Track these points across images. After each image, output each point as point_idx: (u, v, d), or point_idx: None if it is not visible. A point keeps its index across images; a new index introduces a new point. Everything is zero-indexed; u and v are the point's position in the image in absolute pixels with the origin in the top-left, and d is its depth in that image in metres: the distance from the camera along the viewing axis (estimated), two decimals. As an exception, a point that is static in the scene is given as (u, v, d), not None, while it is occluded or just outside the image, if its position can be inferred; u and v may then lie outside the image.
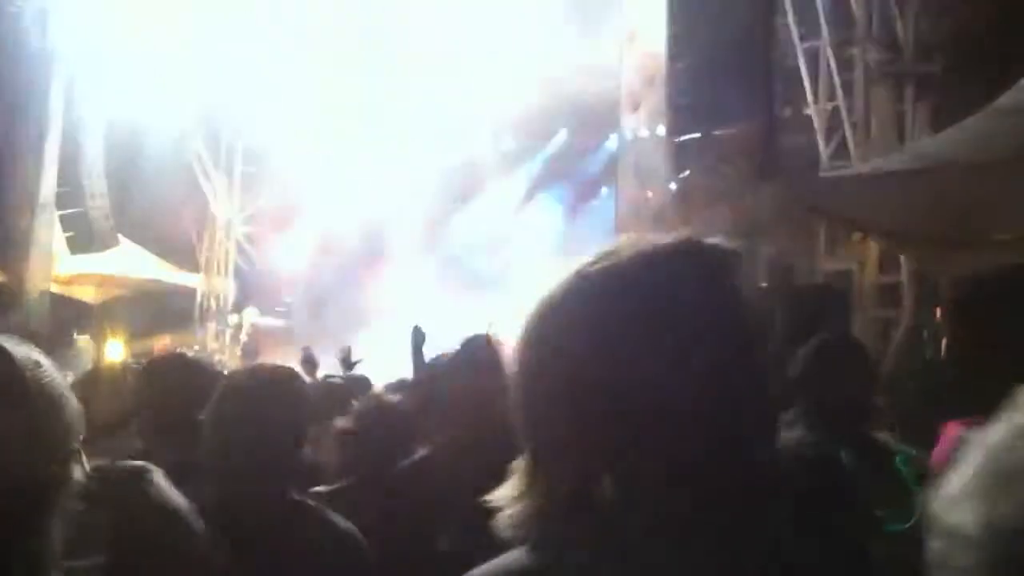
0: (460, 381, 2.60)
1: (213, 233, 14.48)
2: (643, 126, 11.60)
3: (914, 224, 5.11)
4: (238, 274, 14.86)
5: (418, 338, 3.81)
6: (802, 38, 8.65)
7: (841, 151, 8.25)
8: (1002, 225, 4.50)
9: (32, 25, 10.18)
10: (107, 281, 12.57)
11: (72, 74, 10.62)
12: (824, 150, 8.37)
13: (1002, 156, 4.25)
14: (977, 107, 5.05)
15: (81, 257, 11.55)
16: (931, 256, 5.68)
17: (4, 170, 10.21)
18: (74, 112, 10.86)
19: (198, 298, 14.17)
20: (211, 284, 14.29)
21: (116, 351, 10.31)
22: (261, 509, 2.01)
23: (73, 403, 1.21)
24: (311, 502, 2.12)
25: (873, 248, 7.61)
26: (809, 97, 8.64)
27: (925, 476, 2.58)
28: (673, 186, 10.90)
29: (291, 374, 2.32)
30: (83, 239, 11.28)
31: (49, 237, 10.63)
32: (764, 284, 7.67)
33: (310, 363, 5.87)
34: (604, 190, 14.58)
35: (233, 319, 14.18)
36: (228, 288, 14.49)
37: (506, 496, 0.96)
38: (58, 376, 1.21)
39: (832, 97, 8.44)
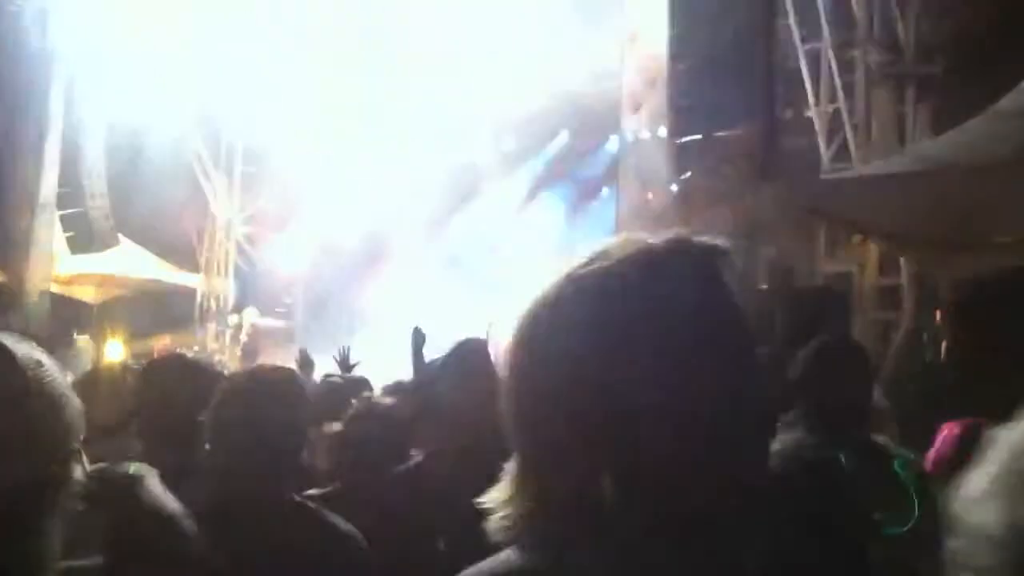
0: (454, 386, 2.59)
1: (213, 233, 14.48)
2: (644, 127, 11.61)
3: (915, 226, 5.11)
4: (238, 274, 14.86)
5: (418, 339, 3.80)
6: (803, 39, 8.65)
7: (842, 153, 8.24)
8: (1003, 228, 4.50)
9: (32, 25, 10.18)
10: (107, 281, 12.57)
11: (72, 74, 10.63)
12: (825, 152, 8.37)
13: (1003, 159, 4.25)
14: (978, 109, 5.05)
15: (81, 257, 11.55)
16: (931, 258, 5.69)
17: (4, 170, 10.21)
18: (74, 112, 10.86)
19: (198, 298, 14.17)
20: (211, 284, 14.29)
21: (116, 351, 10.31)
22: (261, 510, 2.01)
23: (74, 403, 1.21)
24: (311, 504, 2.12)
25: (873, 250, 7.61)
26: (810, 99, 8.64)
27: (924, 479, 2.58)
28: (674, 187, 10.91)
29: (291, 375, 2.32)
30: (83, 239, 11.28)
31: (49, 237, 10.63)
32: (764, 286, 7.68)
33: (306, 365, 5.86)
34: (605, 191, 14.58)
35: (233, 320, 14.17)
36: (228, 289, 14.48)
37: (497, 499, 0.96)
38: (59, 375, 1.21)
39: (833, 99, 8.44)
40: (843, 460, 2.45)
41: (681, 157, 10.87)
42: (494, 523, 0.95)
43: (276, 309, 15.37)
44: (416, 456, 2.84)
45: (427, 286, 13.53)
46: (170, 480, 2.15)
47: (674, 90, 10.79)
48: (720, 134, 10.36)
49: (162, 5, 11.57)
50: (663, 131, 11.12)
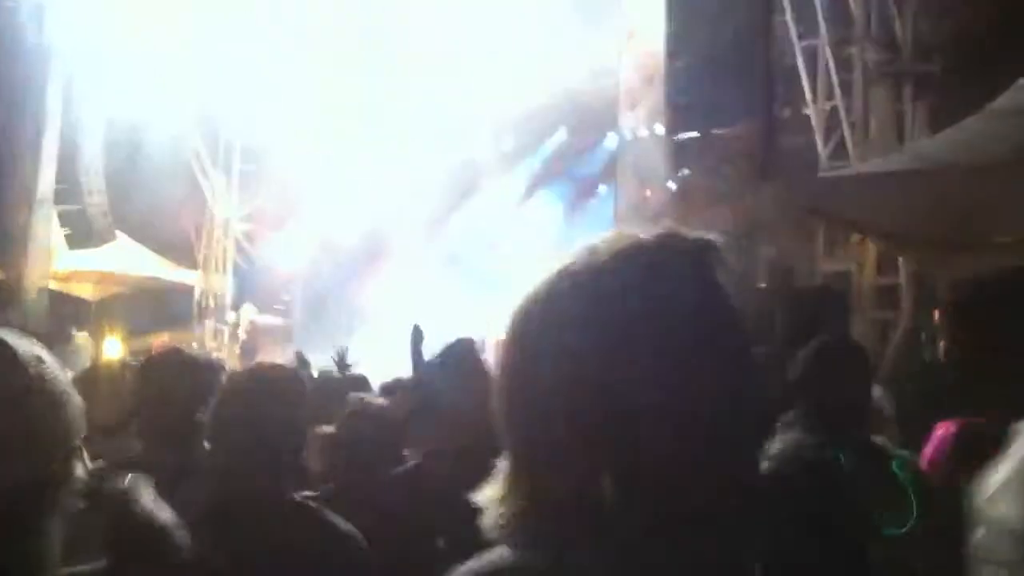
0: (454, 385, 2.58)
1: (211, 231, 14.47)
2: (642, 125, 11.60)
3: (913, 226, 5.10)
4: (236, 272, 14.85)
5: (417, 337, 3.79)
6: (800, 37, 8.66)
7: (840, 151, 8.25)
8: (1002, 228, 4.49)
9: (29, 21, 10.15)
10: (105, 278, 12.55)
11: (70, 71, 10.60)
12: (823, 150, 8.38)
13: (1002, 158, 4.24)
14: (976, 107, 5.05)
15: (79, 254, 11.54)
16: (930, 258, 5.68)
17: (2, 167, 10.19)
18: (72, 109, 10.84)
19: (196, 296, 14.15)
20: (209, 282, 14.27)
21: (114, 349, 10.30)
22: (262, 510, 2.01)
23: (75, 400, 1.21)
24: (311, 504, 2.11)
25: (872, 249, 7.61)
26: (808, 97, 8.64)
27: (921, 479, 2.59)
28: (672, 185, 10.90)
29: (292, 374, 2.31)
30: (81, 236, 11.26)
31: (47, 233, 10.61)
32: (764, 285, 7.68)
33: (303, 366, 5.83)
34: (603, 189, 14.59)
35: (231, 317, 14.16)
36: (226, 286, 14.47)
37: (490, 497, 0.96)
38: (60, 372, 1.21)
39: (831, 97, 8.44)
40: (843, 460, 2.45)
41: (679, 155, 10.86)
42: (488, 521, 0.94)
43: (275, 306, 15.36)
44: (411, 456, 2.83)
45: (426, 284, 13.53)
46: (170, 479, 2.15)
47: (671, 88, 10.79)
48: (718, 132, 10.36)
49: (161, 4, 11.55)
50: (661, 129, 11.11)
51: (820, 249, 8.24)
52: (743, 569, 0.98)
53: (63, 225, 11.03)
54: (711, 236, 0.96)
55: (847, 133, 8.20)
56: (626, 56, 11.93)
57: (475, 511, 0.97)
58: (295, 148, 14.17)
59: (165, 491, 2.11)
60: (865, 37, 8.14)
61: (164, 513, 1.36)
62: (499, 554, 0.95)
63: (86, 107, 11.14)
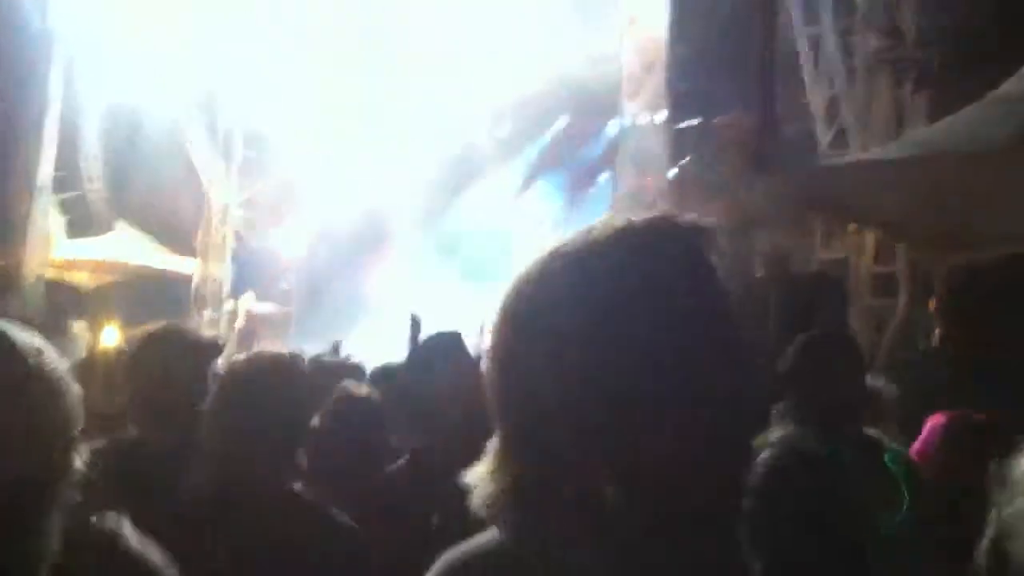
0: (443, 381, 2.53)
1: (210, 219, 14.43)
2: (643, 112, 11.57)
3: (911, 214, 5.10)
4: (235, 260, 14.82)
5: (415, 326, 3.80)
6: (804, 24, 8.63)
7: (840, 139, 8.23)
8: (999, 216, 4.49)
9: (32, 6, 10.11)
10: (102, 267, 12.52)
11: (71, 56, 10.57)
12: (823, 137, 8.36)
13: (1001, 145, 4.23)
14: (978, 95, 5.03)
15: (76, 242, 11.52)
16: (928, 246, 5.67)
17: (6, 154, 10.16)
18: (72, 95, 10.81)
19: (194, 284, 14.12)
20: (207, 270, 14.24)
21: (111, 337, 10.28)
22: (260, 499, 2.01)
23: (74, 390, 1.21)
24: (307, 495, 2.11)
25: (869, 237, 7.61)
26: (809, 84, 8.62)
27: (914, 471, 2.59)
28: (671, 173, 10.87)
29: (292, 362, 2.29)
30: (81, 223, 11.25)
31: (46, 221, 10.60)
32: (760, 271, 7.67)
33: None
34: (603, 177, 14.55)
35: (230, 305, 14.14)
36: (225, 274, 14.44)
37: (480, 473, 0.96)
38: (59, 363, 1.21)
39: (832, 84, 8.42)
40: (835, 453, 2.45)
41: (679, 143, 10.83)
42: (476, 498, 0.95)
43: (273, 295, 15.34)
44: (400, 449, 2.79)
45: (425, 273, 13.52)
46: (167, 465, 2.15)
47: (672, 75, 10.74)
48: (718, 119, 10.31)
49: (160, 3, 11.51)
50: (662, 116, 11.08)
51: (818, 239, 8.23)
52: (743, 569, 0.99)
53: (63, 213, 11.01)
54: (705, 221, 0.97)
55: (849, 121, 8.18)
56: (627, 42, 11.89)
57: (468, 503, 0.97)
58: (295, 135, 14.13)
59: (160, 474, 2.11)
60: (867, 25, 8.11)
61: (154, 555, 1.32)
62: (489, 538, 0.96)
63: (86, 93, 11.11)
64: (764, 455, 2.43)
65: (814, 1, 8.46)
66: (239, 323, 13.64)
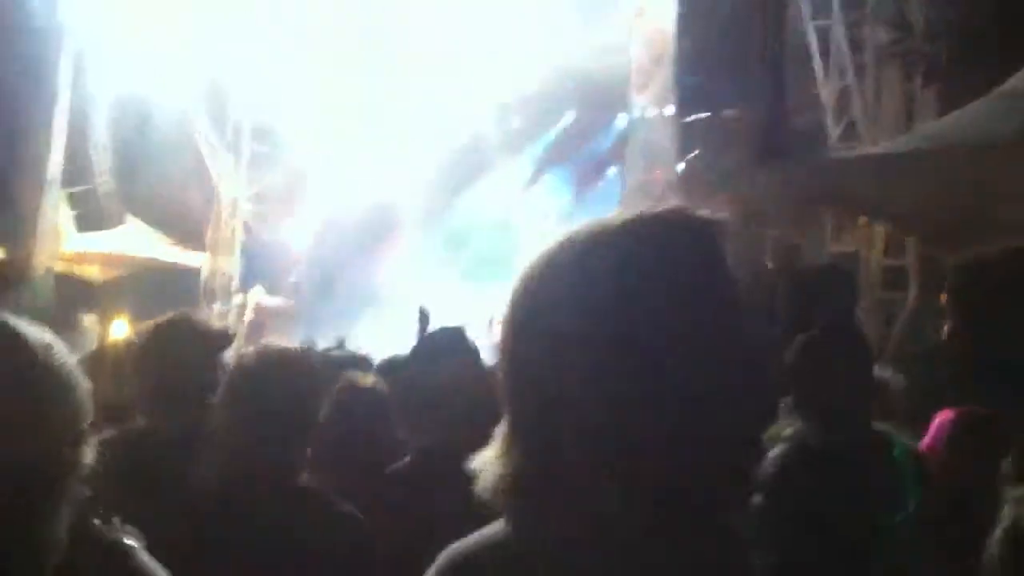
0: (446, 374, 2.51)
1: (219, 212, 14.45)
2: (652, 105, 11.53)
3: (921, 207, 5.08)
4: (244, 253, 14.84)
5: (424, 320, 3.79)
6: (813, 16, 8.60)
7: (850, 132, 8.20)
8: (1010, 208, 4.47)
9: (41, 1, 10.14)
10: (111, 260, 12.56)
11: (80, 50, 10.59)
12: (833, 130, 8.33)
13: (1008, 140, 4.21)
14: (987, 88, 5.01)
15: (86, 235, 11.55)
16: (938, 239, 5.65)
17: (17, 148, 10.19)
18: (81, 87, 10.84)
19: (203, 277, 14.16)
20: (216, 263, 14.28)
21: (121, 331, 10.32)
22: (267, 492, 2.01)
23: (83, 384, 1.22)
24: (315, 488, 2.11)
25: (879, 230, 7.58)
26: (819, 77, 8.58)
27: (922, 466, 2.57)
28: (680, 166, 10.84)
29: (303, 355, 2.28)
30: (91, 217, 11.29)
31: (56, 214, 10.65)
32: (770, 264, 7.65)
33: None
34: (612, 170, 14.51)
35: (239, 299, 14.17)
36: (234, 267, 14.47)
37: (488, 458, 0.97)
38: (68, 357, 1.22)
39: (842, 77, 8.39)
40: (841, 449, 2.43)
41: (688, 136, 10.79)
42: (483, 483, 0.95)
43: (282, 288, 15.37)
44: (406, 442, 2.77)
45: (432, 266, 13.53)
46: (175, 453, 2.15)
47: (681, 68, 10.71)
48: (727, 112, 10.28)
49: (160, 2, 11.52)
50: (670, 109, 11.04)
51: (828, 232, 8.21)
52: (743, 569, 0.98)
53: (73, 207, 11.05)
54: (715, 214, 0.97)
55: (858, 114, 8.15)
56: (636, 34, 11.85)
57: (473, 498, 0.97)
58: (304, 129, 14.15)
59: (168, 464, 2.12)
60: (877, 18, 8.07)
61: (160, 572, 1.31)
62: (493, 532, 0.96)
63: (95, 87, 11.14)
64: (775, 451, 2.41)
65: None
66: (248, 316, 13.67)
